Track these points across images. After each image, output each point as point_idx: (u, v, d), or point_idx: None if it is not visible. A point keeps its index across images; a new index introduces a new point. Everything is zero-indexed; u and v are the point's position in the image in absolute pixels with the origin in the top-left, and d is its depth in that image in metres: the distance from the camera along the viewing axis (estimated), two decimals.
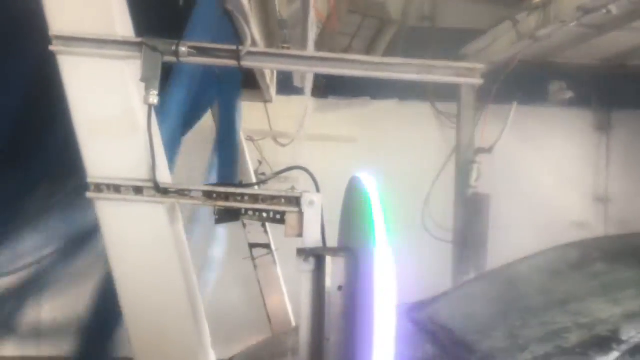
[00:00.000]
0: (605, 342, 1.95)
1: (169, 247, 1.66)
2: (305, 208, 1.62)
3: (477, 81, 1.69)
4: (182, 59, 1.60)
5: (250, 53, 1.65)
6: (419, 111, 6.31)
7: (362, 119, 6.22)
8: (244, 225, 3.99)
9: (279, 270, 4.15)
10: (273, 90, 4.32)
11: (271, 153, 5.54)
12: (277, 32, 3.30)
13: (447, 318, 2.74)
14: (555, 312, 2.31)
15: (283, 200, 1.64)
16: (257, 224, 4.00)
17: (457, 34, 5.59)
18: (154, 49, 1.57)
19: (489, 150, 4.88)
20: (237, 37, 2.18)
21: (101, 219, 1.64)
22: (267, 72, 3.79)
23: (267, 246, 4.10)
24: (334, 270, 1.53)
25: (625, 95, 6.16)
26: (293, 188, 2.97)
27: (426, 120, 6.33)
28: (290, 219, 1.63)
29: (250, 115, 4.81)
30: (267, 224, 4.06)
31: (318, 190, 1.69)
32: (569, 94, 5.61)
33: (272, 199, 1.64)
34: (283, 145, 5.51)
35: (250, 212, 1.72)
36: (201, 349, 1.73)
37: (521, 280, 2.91)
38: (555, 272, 2.88)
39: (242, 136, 3.98)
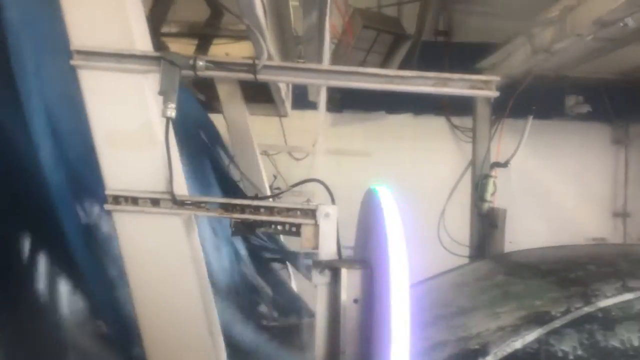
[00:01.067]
0: (472, 356, 1.96)
1: (185, 258, 1.67)
2: (321, 220, 1.62)
3: (493, 94, 1.68)
4: (200, 73, 1.62)
5: (266, 67, 1.66)
6: (434, 125, 6.31)
7: (376, 133, 6.23)
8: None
9: (294, 284, 4.14)
10: (288, 104, 4.35)
11: (286, 167, 5.57)
12: (292, 48, 3.33)
13: None
14: (441, 326, 2.31)
15: (299, 213, 1.64)
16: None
17: (472, 49, 5.59)
18: (172, 63, 1.59)
19: (505, 164, 4.84)
20: None
21: (119, 231, 1.65)
22: (283, 87, 3.82)
23: (282, 261, 4.09)
24: (349, 283, 1.53)
25: None
26: (308, 201, 2.97)
27: (441, 135, 6.33)
28: (306, 231, 1.63)
29: (265, 129, 4.86)
30: (283, 239, 4.06)
31: (333, 202, 1.69)
32: (586, 108, 5.57)
33: (288, 211, 1.64)
34: (298, 160, 5.53)
35: (266, 225, 1.72)
36: None
37: (435, 291, 2.91)
38: (462, 284, 2.88)
39: (257, 150, 4.01)
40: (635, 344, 1.96)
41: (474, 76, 1.68)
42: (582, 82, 5.72)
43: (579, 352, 1.94)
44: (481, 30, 6.03)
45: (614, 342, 1.96)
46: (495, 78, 1.67)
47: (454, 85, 1.68)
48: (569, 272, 2.37)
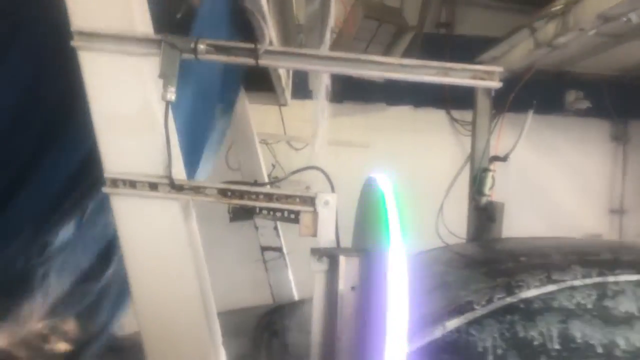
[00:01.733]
0: None
1: (182, 243, 1.66)
2: (320, 208, 1.61)
3: (496, 84, 1.67)
4: (200, 57, 1.60)
5: (268, 52, 1.65)
6: (434, 118, 6.30)
7: (376, 124, 6.22)
8: (256, 228, 4.00)
9: (290, 273, 4.14)
10: (288, 93, 4.33)
11: (285, 157, 5.56)
12: (293, 36, 3.31)
13: None
14: None
15: (298, 200, 1.64)
16: (270, 227, 4.00)
17: (473, 41, 5.58)
18: (173, 46, 1.58)
19: (504, 158, 4.83)
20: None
21: (116, 214, 1.65)
22: (283, 75, 3.80)
23: (279, 249, 4.10)
24: (347, 271, 1.53)
25: None
26: (308, 188, 2.97)
27: (441, 128, 6.33)
28: (305, 218, 1.63)
29: (264, 118, 4.84)
30: (279, 228, 4.06)
31: (333, 190, 1.68)
32: (586, 104, 5.57)
33: (287, 198, 1.64)
34: (297, 150, 5.52)
35: (265, 211, 1.72)
36: (212, 346, 1.72)
37: None
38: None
39: (256, 139, 4.00)
40: (554, 334, 1.98)
41: (477, 66, 1.67)
42: (582, 78, 5.71)
43: (499, 342, 1.96)
44: (483, 22, 6.02)
45: (534, 333, 1.99)
46: (498, 69, 1.66)
47: (457, 75, 1.67)
48: (500, 264, 2.38)
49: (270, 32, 2.02)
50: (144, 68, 1.61)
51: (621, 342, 2.00)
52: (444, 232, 5.23)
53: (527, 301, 2.05)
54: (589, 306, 2.04)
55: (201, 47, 1.59)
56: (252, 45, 1.62)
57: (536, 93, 4.63)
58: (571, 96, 5.71)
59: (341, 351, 1.47)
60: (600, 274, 2.12)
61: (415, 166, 5.67)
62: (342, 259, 1.51)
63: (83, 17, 1.58)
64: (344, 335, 1.49)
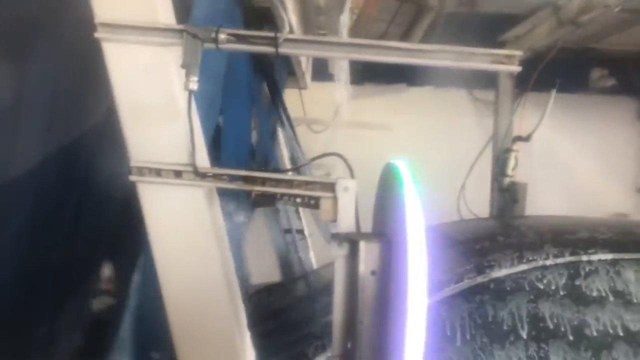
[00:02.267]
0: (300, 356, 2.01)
1: (207, 230, 1.71)
2: (340, 194, 1.64)
3: (516, 68, 1.67)
4: (222, 46, 1.63)
5: (287, 40, 1.67)
6: (456, 98, 6.24)
7: (397, 106, 6.19)
8: (278, 212, 4.05)
9: (312, 254, 4.19)
10: (308, 76, 4.34)
11: (305, 140, 5.56)
12: (313, 18, 3.31)
13: None
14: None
15: (318, 186, 1.67)
16: (292, 211, 4.05)
17: (496, 20, 5.48)
18: (195, 36, 1.61)
19: (527, 138, 4.79)
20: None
21: (143, 202, 1.70)
22: (303, 59, 3.81)
23: (301, 232, 4.14)
24: (367, 256, 1.55)
25: None
26: (328, 174, 3.00)
27: (463, 108, 6.27)
28: (325, 204, 1.66)
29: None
30: (301, 211, 4.11)
31: (352, 176, 1.71)
32: (611, 82, 5.46)
33: (307, 184, 1.67)
34: (317, 133, 5.53)
35: (286, 197, 1.75)
36: (238, 331, 1.77)
37: None
38: None
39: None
40: (523, 314, 1.97)
41: (497, 50, 1.67)
42: (607, 54, 5.58)
43: (468, 322, 1.95)
44: (506, 0, 5.91)
45: (503, 313, 1.98)
46: (518, 53, 1.65)
47: (476, 59, 1.67)
48: (476, 243, 2.33)
49: (290, 19, 2.04)
50: (167, 58, 1.64)
51: (592, 322, 1.99)
52: (466, 213, 5.23)
53: (498, 280, 2.03)
54: (560, 286, 2.03)
55: (222, 36, 1.62)
56: (272, 34, 1.64)
57: (559, 71, 4.56)
58: (596, 74, 5.60)
59: (362, 334, 1.50)
60: (573, 253, 2.09)
61: (437, 147, 5.64)
62: (363, 244, 1.54)
63: (106, 9, 1.61)
64: (365, 318, 1.52)
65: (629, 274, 2.08)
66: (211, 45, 1.63)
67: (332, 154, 1.78)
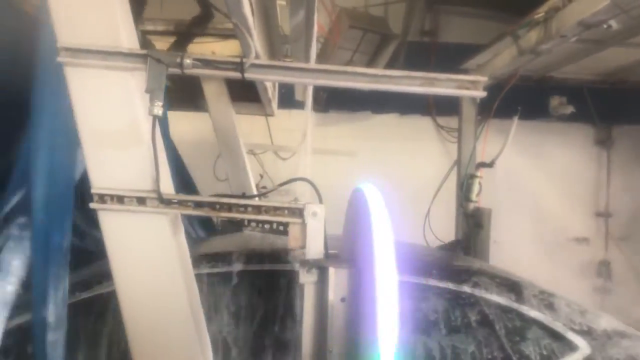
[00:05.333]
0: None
1: (171, 258, 1.66)
2: (309, 219, 1.62)
3: (480, 94, 1.70)
4: (187, 71, 1.61)
5: (253, 65, 1.66)
6: (420, 125, 6.34)
7: (362, 133, 6.25)
8: None
9: None
10: (274, 104, 4.34)
11: (272, 167, 5.55)
12: (278, 47, 3.32)
13: None
14: None
15: (286, 212, 1.64)
16: None
17: (458, 49, 5.63)
18: (159, 60, 1.58)
19: (490, 164, 4.87)
20: None
21: (104, 230, 1.64)
22: (269, 86, 3.81)
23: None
24: (337, 282, 1.53)
25: (626, 110, 6.20)
26: (296, 200, 2.97)
27: (427, 135, 6.36)
28: (294, 230, 1.64)
29: (251, 129, 4.84)
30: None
31: (321, 201, 1.69)
32: (570, 109, 5.62)
33: (275, 210, 1.64)
34: (284, 159, 5.52)
35: (253, 224, 1.72)
36: (202, 358, 1.72)
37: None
38: None
39: (243, 149, 3.99)
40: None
41: (462, 76, 1.69)
42: (566, 83, 5.78)
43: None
44: (467, 30, 6.07)
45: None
46: (482, 78, 1.68)
47: (441, 85, 1.69)
48: None
49: (256, 45, 2.03)
50: (131, 83, 1.61)
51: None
52: (431, 238, 5.26)
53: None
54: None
55: (187, 61, 1.60)
56: (237, 59, 1.63)
57: (521, 99, 4.68)
58: (555, 101, 5.77)
59: None
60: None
61: (402, 174, 5.69)
62: (332, 271, 1.52)
63: (69, 33, 1.58)
64: (335, 347, 1.49)
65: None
66: (176, 70, 1.61)
67: (300, 179, 1.77)
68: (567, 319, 2.18)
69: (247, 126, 4.44)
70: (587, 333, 2.15)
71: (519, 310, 2.18)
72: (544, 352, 2.09)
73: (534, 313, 2.16)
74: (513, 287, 2.25)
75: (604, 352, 2.11)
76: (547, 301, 2.22)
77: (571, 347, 2.11)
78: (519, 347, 2.09)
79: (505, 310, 2.18)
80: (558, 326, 2.15)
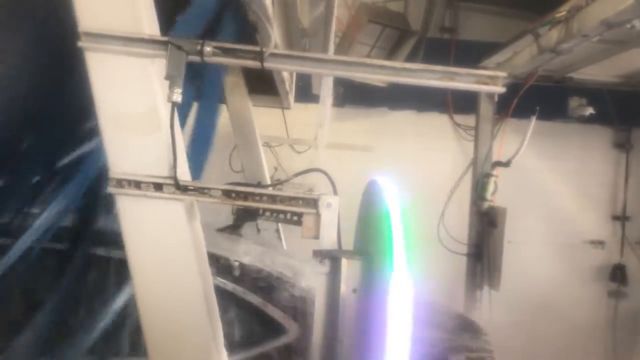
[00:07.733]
0: None
1: (186, 244, 1.67)
2: (323, 210, 1.62)
3: (499, 89, 1.68)
4: (207, 59, 1.61)
5: (273, 55, 1.66)
6: (437, 123, 6.31)
7: (379, 129, 6.23)
8: (258, 231, 4.01)
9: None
10: (291, 97, 4.35)
11: (287, 160, 5.57)
12: (297, 40, 3.33)
13: None
14: None
15: (301, 202, 1.64)
16: (271, 230, 4.01)
17: (477, 46, 5.59)
18: (179, 47, 1.59)
19: (506, 164, 4.84)
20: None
21: (121, 214, 1.66)
22: (287, 79, 3.82)
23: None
24: (349, 273, 1.54)
25: None
26: (311, 190, 2.98)
27: (444, 132, 6.33)
28: (307, 220, 1.64)
29: (268, 121, 4.86)
30: (281, 231, 4.07)
31: (335, 193, 1.69)
32: (589, 110, 5.56)
33: (290, 200, 1.65)
34: (299, 153, 5.54)
35: (268, 213, 1.73)
36: (214, 347, 1.73)
37: None
38: None
39: (259, 141, 4.01)
40: None
41: (481, 71, 1.68)
42: (586, 84, 5.71)
43: None
44: (487, 28, 6.03)
45: None
46: (502, 74, 1.66)
47: (460, 79, 1.67)
48: None
49: (276, 35, 2.04)
50: (151, 69, 1.62)
51: None
52: (445, 236, 5.24)
53: None
54: None
55: (207, 49, 1.60)
56: (257, 48, 1.63)
57: (539, 99, 4.63)
58: (574, 102, 5.70)
59: (342, 354, 1.48)
60: None
61: (418, 170, 5.67)
62: (344, 262, 1.52)
63: (90, 18, 1.59)
64: (345, 337, 1.50)
65: None
66: (196, 58, 1.62)
67: (315, 169, 1.77)
68: None
69: (264, 119, 4.45)
70: None
71: None
72: None
73: None
74: None
75: None
76: None
77: None
78: None
79: None
80: None
